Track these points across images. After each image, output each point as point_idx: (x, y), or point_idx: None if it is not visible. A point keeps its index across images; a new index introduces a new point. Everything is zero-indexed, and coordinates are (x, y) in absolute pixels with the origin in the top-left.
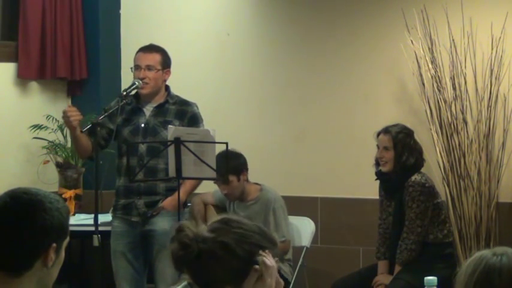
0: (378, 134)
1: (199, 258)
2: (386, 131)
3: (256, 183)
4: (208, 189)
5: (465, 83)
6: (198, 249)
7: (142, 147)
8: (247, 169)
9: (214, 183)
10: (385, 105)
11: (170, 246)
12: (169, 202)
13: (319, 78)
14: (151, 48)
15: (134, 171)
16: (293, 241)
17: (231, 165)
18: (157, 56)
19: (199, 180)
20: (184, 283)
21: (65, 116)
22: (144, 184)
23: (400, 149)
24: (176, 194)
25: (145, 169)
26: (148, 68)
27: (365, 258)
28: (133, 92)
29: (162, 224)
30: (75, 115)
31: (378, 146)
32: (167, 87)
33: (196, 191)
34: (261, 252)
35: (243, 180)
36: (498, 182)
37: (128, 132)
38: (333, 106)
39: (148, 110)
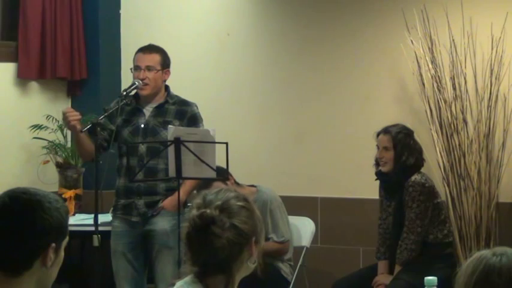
0: (378, 134)
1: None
2: (386, 131)
3: (252, 185)
4: None
5: (465, 83)
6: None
7: (143, 148)
8: (230, 174)
9: None
10: (385, 105)
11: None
12: (169, 202)
13: (319, 78)
14: (150, 49)
15: (134, 171)
16: (293, 241)
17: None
18: (157, 57)
19: (199, 180)
20: (191, 276)
21: (64, 117)
22: (144, 184)
23: (400, 149)
24: (176, 194)
25: (145, 169)
26: (148, 68)
27: (365, 258)
28: (133, 92)
29: (162, 224)
30: (74, 115)
31: (377, 146)
32: (167, 87)
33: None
34: None
35: (231, 185)
36: (498, 182)
37: (127, 133)
38: (333, 106)
39: (148, 110)
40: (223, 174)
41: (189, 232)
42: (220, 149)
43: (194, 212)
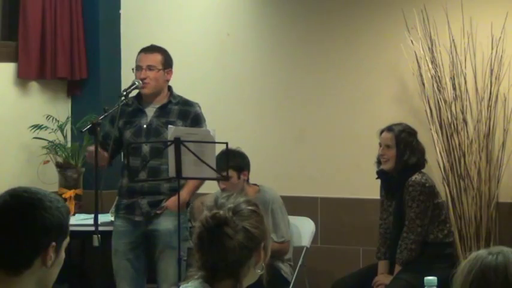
0: (381, 132)
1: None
2: (389, 129)
3: (255, 184)
4: (209, 189)
5: (465, 83)
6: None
7: (146, 148)
8: (249, 170)
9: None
10: (385, 105)
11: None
12: (173, 202)
13: (319, 78)
14: (152, 49)
15: (136, 171)
16: (293, 241)
17: (234, 162)
18: (159, 56)
19: (200, 180)
20: (200, 280)
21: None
22: (148, 184)
23: (402, 148)
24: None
25: (148, 169)
26: (149, 68)
27: (365, 258)
28: (133, 93)
29: (166, 224)
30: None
31: (380, 144)
32: (170, 88)
33: (199, 191)
34: None
35: (243, 180)
36: (498, 182)
37: (130, 134)
38: (333, 106)
39: (150, 110)
40: (244, 159)
41: (201, 232)
42: (220, 149)
43: (206, 213)
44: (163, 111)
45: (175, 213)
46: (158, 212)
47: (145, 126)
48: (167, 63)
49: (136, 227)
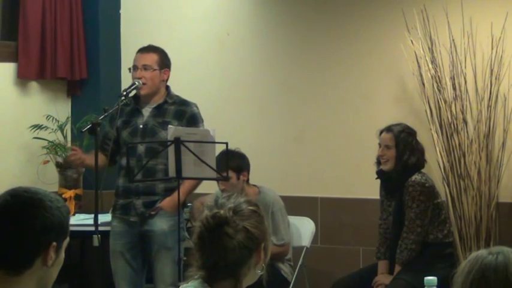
0: (381, 133)
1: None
2: (388, 129)
3: (254, 185)
4: (209, 189)
5: (465, 83)
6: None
7: (141, 148)
8: (248, 171)
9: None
10: (385, 105)
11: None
12: (167, 202)
13: (319, 78)
14: (148, 49)
15: (133, 171)
16: (293, 241)
17: (233, 162)
18: (155, 56)
19: (199, 180)
20: (199, 280)
21: (70, 160)
22: (143, 184)
23: (402, 148)
24: (175, 194)
25: (144, 169)
26: (145, 67)
27: (365, 258)
28: (133, 93)
29: (161, 224)
30: (75, 156)
31: (379, 145)
32: (168, 88)
33: (197, 191)
34: None
35: (242, 180)
36: (498, 182)
37: (127, 134)
38: (333, 106)
39: (147, 110)
40: (243, 159)
41: (201, 232)
42: (220, 149)
43: (207, 213)
44: (159, 111)
45: (170, 214)
46: (152, 212)
47: (141, 126)
48: (163, 63)
49: (131, 227)
